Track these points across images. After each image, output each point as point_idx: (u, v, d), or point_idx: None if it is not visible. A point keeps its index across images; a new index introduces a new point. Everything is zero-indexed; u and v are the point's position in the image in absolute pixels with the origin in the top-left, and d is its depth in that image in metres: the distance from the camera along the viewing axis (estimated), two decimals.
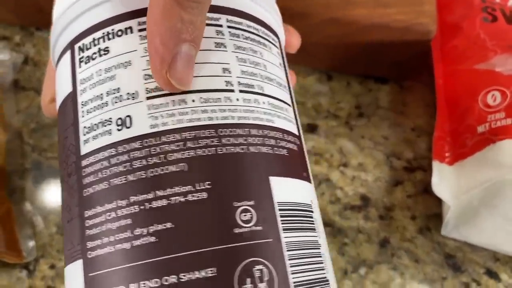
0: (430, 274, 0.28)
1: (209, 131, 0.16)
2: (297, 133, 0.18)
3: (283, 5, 0.29)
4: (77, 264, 0.16)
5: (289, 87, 0.20)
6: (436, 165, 0.27)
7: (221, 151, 0.16)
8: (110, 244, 0.15)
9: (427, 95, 0.34)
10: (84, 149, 0.17)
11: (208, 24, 0.17)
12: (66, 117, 0.18)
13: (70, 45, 0.19)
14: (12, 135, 0.29)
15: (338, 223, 0.29)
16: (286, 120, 0.18)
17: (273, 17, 0.20)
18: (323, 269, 0.16)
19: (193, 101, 0.16)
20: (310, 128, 0.32)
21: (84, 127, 0.17)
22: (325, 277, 0.16)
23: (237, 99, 0.17)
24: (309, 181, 0.18)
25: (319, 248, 0.16)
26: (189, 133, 0.16)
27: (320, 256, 0.16)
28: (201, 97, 0.16)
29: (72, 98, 0.18)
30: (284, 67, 0.20)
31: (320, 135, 0.32)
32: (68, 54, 0.19)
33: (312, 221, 0.17)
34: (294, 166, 0.17)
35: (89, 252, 0.16)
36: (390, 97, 0.34)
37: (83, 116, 0.17)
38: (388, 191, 0.31)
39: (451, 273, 0.28)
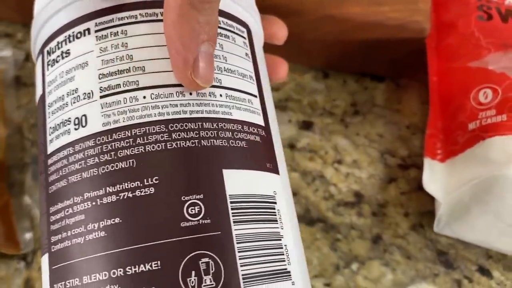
0: (422, 270, 0.28)
1: (159, 127, 0.16)
2: (262, 124, 0.18)
3: (277, 2, 0.29)
4: (45, 257, 0.17)
5: (258, 78, 0.19)
6: (428, 162, 0.28)
7: (170, 146, 0.16)
8: (68, 238, 0.16)
9: (423, 93, 0.34)
10: (50, 149, 0.17)
11: (159, 20, 0.17)
12: (39, 118, 0.19)
13: (41, 50, 0.19)
14: (13, 130, 0.30)
15: (331, 219, 0.30)
16: (248, 112, 0.18)
17: (242, 7, 0.20)
18: (283, 261, 0.16)
19: (144, 97, 0.16)
20: (305, 125, 0.33)
21: (50, 127, 0.18)
22: (285, 269, 0.16)
23: (190, 94, 0.17)
24: (275, 172, 0.18)
25: (279, 240, 0.16)
26: (139, 130, 0.16)
27: (280, 248, 0.16)
28: (152, 93, 0.16)
29: (42, 100, 0.19)
30: (253, 57, 0.20)
31: (315, 132, 0.32)
32: (40, 58, 0.19)
33: (273, 212, 0.17)
34: (254, 158, 0.17)
35: (53, 246, 0.16)
36: (386, 95, 0.34)
37: (49, 117, 0.18)
38: (381, 188, 0.31)
39: (443, 269, 0.28)
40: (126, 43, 0.17)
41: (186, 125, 0.16)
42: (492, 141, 0.25)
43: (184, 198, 0.15)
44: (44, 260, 0.17)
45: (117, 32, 0.17)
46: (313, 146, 0.32)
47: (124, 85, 0.17)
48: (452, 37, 0.30)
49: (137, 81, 0.17)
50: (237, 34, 0.19)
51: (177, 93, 0.17)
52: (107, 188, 0.16)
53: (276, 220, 0.17)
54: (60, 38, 0.18)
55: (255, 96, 0.19)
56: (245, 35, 0.20)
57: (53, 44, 0.18)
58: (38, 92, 0.19)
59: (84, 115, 0.17)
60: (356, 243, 0.29)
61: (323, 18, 0.30)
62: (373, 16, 0.30)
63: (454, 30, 0.30)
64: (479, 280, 0.28)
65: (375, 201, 0.30)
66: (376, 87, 0.35)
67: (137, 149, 0.16)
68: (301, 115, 0.33)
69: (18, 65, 0.33)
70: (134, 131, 0.16)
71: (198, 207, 0.15)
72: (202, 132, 0.16)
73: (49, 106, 0.18)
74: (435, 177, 0.27)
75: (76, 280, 0.15)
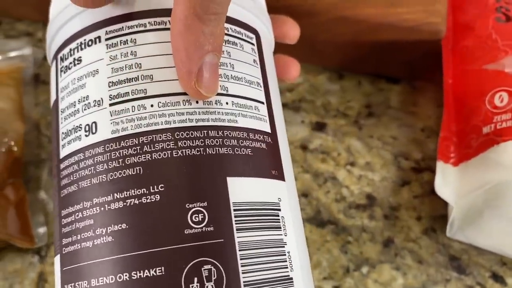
0: (433, 275, 0.28)
1: (165, 135, 0.16)
2: (268, 131, 0.18)
3: (290, 3, 0.29)
4: (57, 258, 0.17)
5: (266, 84, 0.19)
6: (440, 166, 0.27)
7: (176, 154, 0.16)
8: (77, 242, 0.16)
9: (439, 96, 0.33)
10: (62, 153, 0.18)
11: (168, 29, 0.18)
12: (53, 123, 0.19)
13: (55, 56, 0.20)
14: (30, 127, 0.31)
15: (343, 221, 0.30)
16: (254, 119, 0.18)
17: (251, 12, 0.20)
18: (285, 268, 0.16)
19: (152, 106, 0.17)
20: (319, 127, 0.33)
21: (62, 132, 0.18)
22: (288, 276, 0.16)
23: (197, 102, 0.17)
24: (280, 178, 0.18)
25: (282, 247, 0.17)
26: (146, 138, 0.16)
27: (283, 255, 0.16)
28: (159, 102, 0.17)
29: (55, 105, 0.19)
30: (262, 64, 0.20)
31: (328, 134, 0.32)
32: (54, 64, 0.20)
33: (277, 219, 0.17)
34: (258, 165, 0.17)
35: (64, 248, 0.17)
36: (401, 97, 0.34)
37: (61, 123, 0.18)
38: (394, 191, 0.31)
39: (455, 275, 0.28)
40: (135, 51, 0.17)
41: (192, 133, 0.16)
42: (506, 146, 0.24)
43: (188, 205, 0.16)
44: (56, 260, 0.18)
45: (127, 40, 0.17)
46: (325, 147, 0.32)
47: (133, 93, 0.17)
48: (469, 39, 0.29)
49: (145, 89, 0.17)
50: (245, 40, 0.19)
51: (184, 102, 0.17)
52: (115, 194, 0.16)
53: (280, 227, 0.17)
54: (73, 45, 0.19)
55: (262, 103, 0.19)
56: (254, 41, 0.20)
57: (66, 51, 0.19)
58: (52, 97, 0.20)
59: (94, 122, 0.17)
60: (367, 246, 0.29)
61: (337, 19, 0.30)
62: (388, 17, 0.29)
63: (471, 32, 0.29)
64: (492, 287, 0.28)
65: (388, 204, 0.30)
66: (391, 89, 0.34)
67: (144, 156, 0.16)
68: (314, 116, 0.33)
69: (38, 63, 0.33)
70: (141, 139, 0.16)
71: (202, 214, 0.16)
72: (207, 140, 0.16)
73: (61, 111, 0.18)
74: (448, 181, 0.27)
75: (85, 283, 0.16)
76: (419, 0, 0.30)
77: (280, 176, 0.18)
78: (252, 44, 0.20)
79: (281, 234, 0.17)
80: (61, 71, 0.19)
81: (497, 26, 0.29)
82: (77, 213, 0.16)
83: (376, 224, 0.29)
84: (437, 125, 0.33)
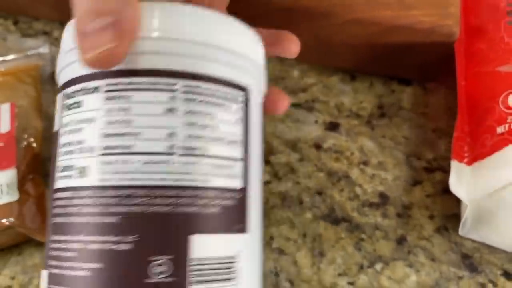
0: (446, 273, 0.28)
1: (143, 191, 0.18)
2: (240, 187, 0.20)
3: (306, 5, 0.30)
4: (45, 273, 0.19)
5: (246, 141, 0.20)
6: (455, 165, 0.28)
7: (151, 210, 0.18)
8: (62, 267, 0.18)
9: (450, 97, 0.34)
10: (56, 185, 0.19)
11: (162, 90, 0.19)
12: (53, 149, 0.20)
13: (62, 88, 0.21)
14: (49, 124, 0.31)
15: (356, 219, 0.30)
16: (228, 177, 0.19)
17: (242, 69, 0.20)
18: None
19: (137, 161, 0.18)
20: (332, 126, 0.33)
21: (58, 166, 0.20)
22: None
23: (176, 163, 0.18)
24: (243, 231, 0.19)
25: None
26: (127, 191, 0.18)
27: None
28: (143, 159, 0.18)
29: (57, 135, 0.20)
30: (246, 120, 0.20)
31: (341, 133, 0.33)
32: (60, 96, 0.21)
33: (231, 271, 0.19)
34: (223, 222, 0.19)
35: (50, 268, 0.19)
36: (413, 99, 0.35)
37: (59, 156, 0.20)
38: (406, 190, 0.31)
39: (467, 273, 0.28)
40: (129, 108, 0.18)
41: (166, 192, 0.18)
42: None
43: (153, 257, 0.17)
44: (44, 274, 0.19)
45: (123, 96, 0.18)
46: (339, 147, 0.32)
47: (121, 148, 0.18)
48: (482, 41, 0.30)
49: (132, 145, 0.18)
50: (232, 100, 0.20)
51: (164, 161, 0.18)
52: (95, 237, 0.18)
53: (234, 278, 0.19)
54: (76, 87, 0.19)
55: (239, 160, 0.20)
56: (242, 98, 0.20)
57: (70, 90, 0.20)
58: (56, 125, 0.21)
59: (86, 167, 0.18)
60: (380, 243, 0.29)
61: (352, 21, 0.30)
62: (402, 19, 0.30)
63: (484, 35, 0.30)
64: (504, 284, 0.28)
65: (400, 203, 0.31)
66: (403, 90, 0.35)
67: (123, 208, 0.18)
68: (327, 116, 0.34)
69: (55, 61, 0.34)
70: (123, 191, 0.18)
71: (163, 266, 0.17)
72: (180, 199, 0.18)
73: (60, 146, 0.20)
74: (462, 179, 0.27)
75: None
76: (433, 2, 0.30)
77: (243, 229, 0.19)
78: (240, 102, 0.20)
79: (234, 285, 0.19)
80: (65, 106, 0.20)
81: (509, 29, 0.30)
82: (63, 243, 0.18)
83: (389, 222, 0.30)
84: (448, 126, 0.33)
